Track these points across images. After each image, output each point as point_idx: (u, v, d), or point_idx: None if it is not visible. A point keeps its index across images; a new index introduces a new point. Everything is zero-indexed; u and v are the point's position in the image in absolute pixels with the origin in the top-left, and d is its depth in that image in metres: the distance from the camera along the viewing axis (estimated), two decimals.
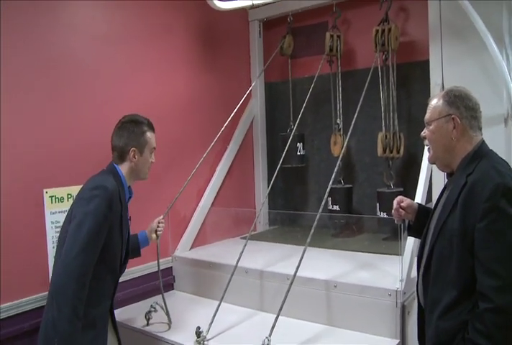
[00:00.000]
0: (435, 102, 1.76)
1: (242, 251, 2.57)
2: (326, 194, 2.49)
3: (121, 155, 2.13)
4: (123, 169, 2.12)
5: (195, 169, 2.87)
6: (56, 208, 2.50)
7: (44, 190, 2.46)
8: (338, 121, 3.49)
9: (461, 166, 1.71)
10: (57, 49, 2.54)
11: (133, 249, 2.35)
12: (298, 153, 3.61)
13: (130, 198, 2.19)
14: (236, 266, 2.54)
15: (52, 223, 2.48)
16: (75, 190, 2.52)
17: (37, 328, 2.28)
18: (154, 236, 2.48)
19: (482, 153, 1.69)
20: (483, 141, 1.74)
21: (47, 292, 2.35)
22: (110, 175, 2.07)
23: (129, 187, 2.17)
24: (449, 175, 1.82)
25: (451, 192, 1.69)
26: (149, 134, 2.17)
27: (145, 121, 2.18)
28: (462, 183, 1.63)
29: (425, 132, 1.81)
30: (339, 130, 3.48)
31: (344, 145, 2.78)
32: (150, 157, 2.20)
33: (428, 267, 1.74)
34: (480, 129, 1.74)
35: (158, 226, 2.50)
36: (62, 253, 1.86)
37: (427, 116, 1.80)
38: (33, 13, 2.41)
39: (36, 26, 2.44)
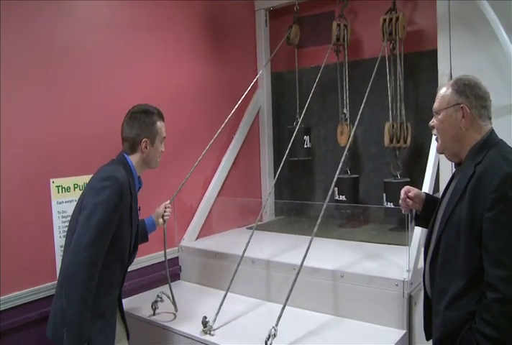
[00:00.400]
0: (444, 91, 1.74)
1: (249, 242, 2.57)
2: (333, 184, 2.48)
3: (132, 146, 2.11)
4: (133, 159, 2.11)
5: (201, 156, 2.86)
6: (63, 197, 2.50)
7: (51, 180, 2.46)
8: (345, 111, 3.47)
9: (469, 155, 1.69)
10: (61, 38, 2.52)
11: (141, 234, 2.34)
12: (305, 146, 3.60)
13: (140, 188, 2.19)
14: (242, 256, 2.54)
15: (58, 212, 2.48)
16: (81, 180, 2.56)
17: (45, 318, 2.30)
18: (161, 220, 2.47)
19: (491, 142, 1.67)
20: (492, 131, 1.72)
21: (54, 282, 2.37)
22: (120, 165, 2.06)
23: (139, 177, 2.17)
24: (457, 165, 1.81)
25: (460, 181, 1.68)
26: (159, 124, 2.16)
27: (155, 111, 2.16)
28: (471, 173, 1.61)
29: (433, 121, 1.79)
30: (346, 120, 3.46)
31: (351, 135, 2.77)
32: (161, 146, 2.19)
33: (435, 257, 1.73)
34: (490, 118, 1.71)
35: (165, 211, 2.48)
36: (72, 243, 1.86)
37: (435, 105, 1.77)
38: (36, 2, 2.38)
39: (39, 16, 2.42)
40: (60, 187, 2.49)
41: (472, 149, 1.69)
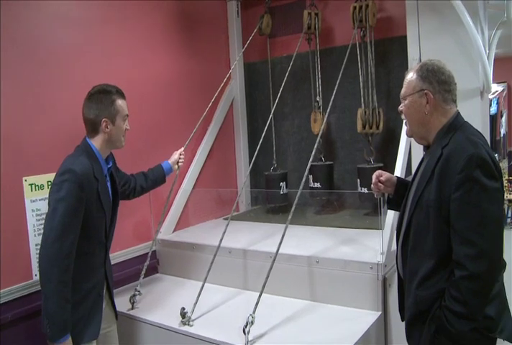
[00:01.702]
0: (409, 77, 1.77)
1: (224, 232, 2.58)
2: (307, 171, 2.50)
3: (93, 128, 2.09)
4: (97, 142, 2.10)
5: (184, 147, 2.88)
6: (36, 195, 2.46)
7: (24, 178, 2.41)
8: (318, 99, 3.48)
9: (437, 138, 1.73)
10: (31, 32, 2.47)
11: (158, 177, 2.63)
12: (282, 192, 3.60)
13: (110, 168, 2.20)
14: (218, 246, 2.55)
15: (32, 211, 2.44)
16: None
17: (20, 318, 2.32)
18: (175, 166, 2.71)
19: (457, 125, 1.71)
20: (458, 114, 1.75)
21: (29, 281, 2.39)
22: (83, 153, 2.05)
23: (108, 157, 2.18)
24: (426, 148, 1.84)
25: (428, 164, 1.71)
26: (119, 102, 2.12)
27: (113, 90, 2.12)
28: (438, 155, 1.65)
29: (401, 107, 1.82)
30: (319, 108, 3.48)
31: (323, 122, 2.79)
32: (124, 124, 2.16)
33: (406, 238, 1.77)
34: (454, 101, 1.74)
35: (180, 158, 2.74)
36: (41, 240, 1.91)
37: (402, 91, 1.81)
38: None
39: (8, 10, 2.36)
40: (33, 185, 2.45)
41: (439, 132, 1.72)
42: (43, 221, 2.42)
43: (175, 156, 2.73)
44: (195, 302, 2.36)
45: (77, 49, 2.70)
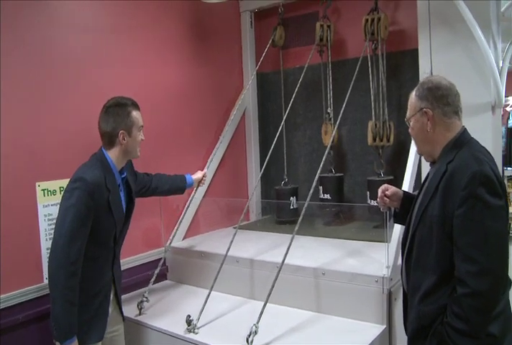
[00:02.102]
0: (411, 98, 1.81)
1: (232, 241, 2.61)
2: (314, 183, 2.53)
3: (110, 140, 2.15)
4: (113, 153, 2.16)
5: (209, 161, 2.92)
6: (48, 201, 2.51)
7: (37, 184, 2.46)
8: (329, 111, 3.50)
9: (442, 154, 1.74)
10: (45, 41, 2.53)
11: (178, 187, 2.75)
12: (292, 207, 3.62)
13: (124, 178, 2.26)
14: (226, 255, 2.58)
15: (44, 216, 2.49)
16: (67, 183, 2.57)
17: (31, 320, 2.37)
18: (195, 184, 2.85)
19: (463, 141, 1.72)
20: (465, 130, 1.76)
21: (41, 284, 2.43)
22: (97, 163, 2.12)
23: (122, 168, 2.23)
24: (432, 163, 1.85)
25: (433, 179, 1.72)
26: (134, 114, 2.18)
27: (129, 102, 2.18)
28: (443, 171, 1.66)
29: (410, 129, 1.85)
30: (330, 119, 3.49)
31: (333, 134, 2.81)
32: (139, 135, 2.22)
33: (410, 253, 1.78)
34: (456, 113, 1.75)
35: (202, 179, 2.88)
36: (50, 246, 1.98)
37: (407, 113, 1.84)
38: (18, 4, 2.39)
39: (22, 19, 2.42)
40: (45, 191, 2.50)
41: (445, 147, 1.74)
42: (54, 226, 2.52)
43: (199, 175, 2.86)
44: (201, 310, 2.39)
45: (91, 58, 2.76)
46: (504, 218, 1.61)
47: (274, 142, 3.11)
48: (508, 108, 9.43)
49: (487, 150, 1.74)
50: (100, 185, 2.05)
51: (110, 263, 2.19)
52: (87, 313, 2.04)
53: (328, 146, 2.72)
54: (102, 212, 2.06)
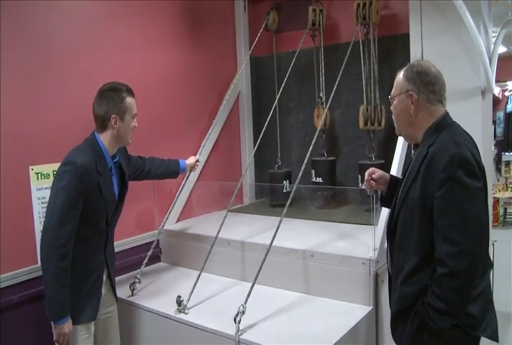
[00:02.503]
0: (398, 77, 1.82)
1: (222, 223, 2.65)
2: (303, 166, 2.56)
3: (103, 124, 2.17)
4: (105, 137, 2.18)
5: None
6: (42, 184, 2.54)
7: (30, 167, 2.50)
8: (321, 95, 3.51)
9: (424, 138, 1.77)
10: (40, 27, 2.54)
11: (171, 171, 2.80)
12: (285, 190, 3.63)
13: (117, 162, 2.28)
14: (216, 237, 2.62)
15: (38, 199, 2.53)
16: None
17: (25, 301, 2.42)
18: (188, 169, 2.91)
19: (444, 125, 1.74)
20: (446, 114, 1.79)
21: (34, 266, 2.46)
22: (88, 146, 2.14)
23: (115, 154, 2.25)
24: (415, 147, 1.88)
25: (415, 163, 1.75)
26: (129, 100, 2.19)
27: (123, 88, 2.20)
28: (424, 154, 1.69)
29: (391, 107, 1.87)
30: (322, 103, 3.51)
31: (323, 118, 2.82)
32: (132, 122, 2.23)
33: (394, 235, 1.81)
34: (440, 101, 1.77)
35: (196, 165, 2.96)
36: (42, 227, 2.02)
37: (392, 91, 1.86)
38: None
39: (18, 5, 2.42)
40: (39, 174, 2.54)
41: (427, 131, 1.76)
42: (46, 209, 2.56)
43: (192, 160, 2.92)
44: (191, 291, 2.43)
45: (86, 45, 2.77)
46: (481, 200, 1.64)
47: (265, 126, 3.14)
48: (506, 93, 9.41)
49: (467, 133, 1.76)
50: (90, 169, 2.07)
51: (102, 245, 2.22)
52: (79, 293, 2.09)
53: (318, 129, 2.74)
54: (93, 195, 2.09)
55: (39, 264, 2.43)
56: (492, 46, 2.94)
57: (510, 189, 7.59)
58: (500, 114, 9.45)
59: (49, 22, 2.60)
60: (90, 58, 2.80)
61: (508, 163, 8.97)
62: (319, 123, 3.46)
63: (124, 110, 2.17)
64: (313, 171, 3.46)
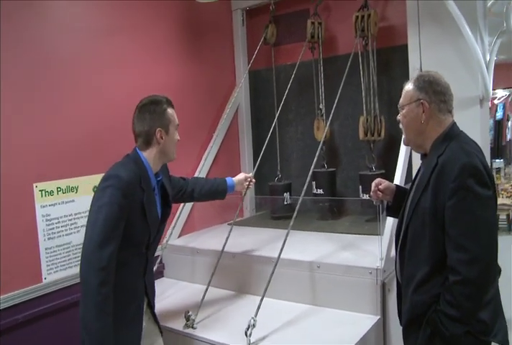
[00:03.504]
0: (407, 87, 1.84)
1: (228, 237, 2.63)
2: (308, 177, 2.57)
3: (147, 140, 2.03)
4: (149, 154, 2.04)
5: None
6: (46, 201, 2.52)
7: (34, 185, 2.48)
8: (320, 107, 3.54)
9: (433, 147, 1.79)
10: (38, 42, 2.54)
11: (221, 190, 2.56)
12: (285, 203, 3.65)
13: (160, 181, 2.12)
14: (222, 251, 2.60)
15: (42, 216, 2.50)
16: (64, 183, 2.61)
17: (31, 320, 2.38)
18: (239, 187, 2.66)
19: (452, 135, 1.76)
20: (454, 123, 1.81)
21: (39, 284, 2.46)
22: (131, 162, 2.00)
23: (157, 172, 2.11)
24: (423, 156, 1.90)
25: (424, 172, 1.77)
26: (170, 111, 2.08)
27: (163, 99, 2.09)
28: (434, 164, 1.70)
29: (400, 116, 1.88)
30: (322, 115, 3.53)
31: (325, 130, 2.85)
32: (176, 134, 2.12)
33: (404, 244, 1.82)
34: (450, 111, 1.80)
35: (249, 184, 2.69)
36: (82, 248, 1.83)
37: (401, 100, 1.87)
38: (12, 6, 2.40)
39: (16, 20, 2.43)
40: (43, 191, 2.52)
41: (435, 141, 1.78)
42: (53, 226, 2.55)
43: (241, 176, 2.69)
44: (200, 306, 2.43)
45: (85, 58, 2.77)
46: (493, 208, 1.67)
47: (267, 138, 3.14)
48: (495, 101, 9.54)
49: (475, 142, 1.79)
50: (134, 184, 1.92)
51: (142, 271, 2.03)
52: (117, 325, 1.82)
53: (321, 142, 2.76)
54: (135, 213, 1.93)
55: (44, 282, 2.48)
56: (488, 55, 2.99)
57: (501, 195, 7.66)
58: (490, 122, 9.56)
59: (47, 36, 2.59)
60: (90, 72, 2.79)
61: (498, 170, 9.05)
62: (319, 135, 3.50)
63: (167, 122, 2.06)
64: (313, 183, 3.47)
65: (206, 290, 2.51)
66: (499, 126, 9.48)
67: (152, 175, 2.06)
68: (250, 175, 2.73)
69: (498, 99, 9.37)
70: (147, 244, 2.03)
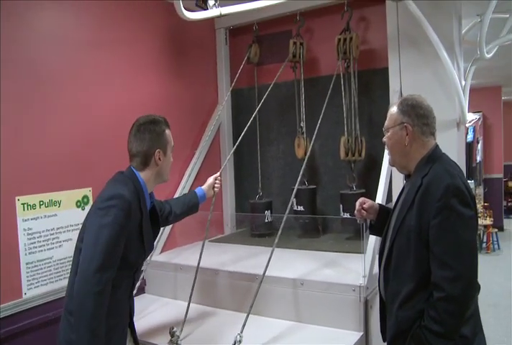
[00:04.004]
0: (392, 110, 1.92)
1: (201, 253, 2.65)
2: (294, 194, 2.62)
3: (145, 160, 1.99)
4: (145, 175, 2.00)
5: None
6: (28, 215, 2.50)
7: (17, 198, 2.45)
8: (302, 125, 3.59)
9: (417, 169, 1.86)
10: (23, 55, 2.52)
11: (192, 205, 2.47)
12: (266, 220, 3.69)
13: (151, 203, 2.09)
14: (198, 267, 2.61)
15: (24, 230, 2.47)
16: (47, 197, 2.59)
17: (10, 336, 2.34)
18: (211, 192, 2.58)
19: (435, 157, 1.85)
20: (437, 146, 1.89)
21: (20, 299, 2.41)
22: (129, 182, 1.94)
23: (151, 193, 2.07)
24: (407, 177, 1.97)
25: (409, 192, 1.84)
26: (168, 132, 2.06)
27: (162, 119, 2.06)
28: (418, 184, 1.77)
29: (385, 138, 1.96)
30: (303, 133, 3.59)
31: (310, 146, 2.91)
32: (171, 156, 2.10)
33: (388, 262, 1.87)
34: (432, 133, 1.88)
35: (216, 183, 2.61)
36: (79, 269, 1.77)
37: (386, 123, 1.95)
38: None
39: (1, 32, 2.41)
40: (25, 205, 2.49)
41: (419, 163, 1.86)
42: (34, 240, 2.51)
43: (210, 180, 2.62)
44: (184, 322, 2.42)
45: (69, 72, 2.77)
46: (474, 228, 1.74)
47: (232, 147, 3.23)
48: (466, 124, 9.84)
49: (456, 164, 1.88)
50: (136, 206, 1.89)
51: (128, 293, 2.00)
52: None
53: (306, 158, 2.83)
54: (133, 235, 1.90)
55: (25, 297, 2.42)
56: (463, 81, 3.12)
57: None
58: None
59: (32, 49, 2.58)
60: (73, 86, 2.79)
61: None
62: (299, 153, 3.56)
63: (165, 143, 2.03)
64: (294, 200, 3.50)
65: (188, 305, 2.51)
66: (469, 149, 9.77)
67: (148, 197, 2.03)
68: (217, 174, 2.69)
69: (469, 122, 9.68)
70: (137, 268, 2.02)
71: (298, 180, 2.69)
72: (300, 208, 3.49)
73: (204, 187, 2.59)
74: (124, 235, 1.83)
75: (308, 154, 2.90)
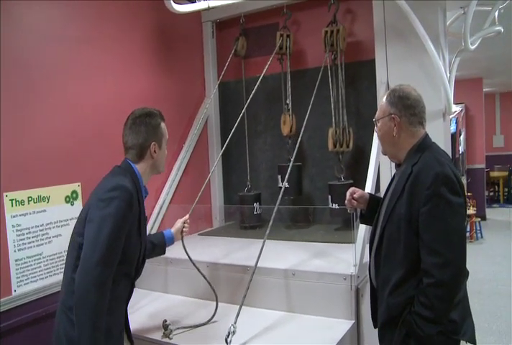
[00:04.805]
0: (382, 101, 1.96)
1: (184, 245, 2.59)
2: (283, 185, 2.64)
3: (140, 153, 1.99)
4: (141, 167, 2.00)
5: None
6: (16, 211, 2.48)
7: (5, 194, 2.43)
8: (287, 102, 3.59)
9: (407, 157, 1.90)
10: (9, 49, 2.49)
11: (158, 246, 2.36)
12: (255, 212, 3.69)
13: (146, 196, 2.07)
14: (190, 259, 2.61)
15: (12, 226, 2.45)
16: (35, 192, 2.57)
17: (2, 333, 2.32)
18: (179, 236, 2.48)
19: (425, 145, 1.88)
20: (427, 135, 1.93)
21: (10, 297, 2.40)
22: (127, 174, 1.94)
23: (145, 186, 2.06)
24: (397, 166, 2.00)
25: (399, 181, 1.87)
26: (163, 125, 2.06)
27: (157, 112, 2.06)
28: (408, 172, 1.81)
29: (376, 129, 2.00)
30: (288, 110, 3.59)
31: (295, 125, 2.90)
32: (165, 148, 2.10)
33: (379, 249, 1.91)
34: (421, 123, 1.92)
35: (184, 226, 2.49)
36: (81, 261, 1.73)
37: (376, 114, 1.99)
38: None
39: None
40: (13, 201, 2.46)
41: (409, 151, 1.90)
42: (23, 237, 2.49)
43: (178, 224, 2.50)
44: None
45: (58, 67, 2.75)
46: (463, 215, 1.78)
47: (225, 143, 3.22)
48: (450, 116, 9.96)
49: (446, 152, 1.92)
50: (136, 197, 1.88)
51: (126, 294, 1.97)
52: None
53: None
54: (133, 228, 1.88)
55: (14, 294, 2.40)
56: (448, 72, 3.16)
57: None
58: None
59: (19, 45, 2.55)
60: (61, 82, 2.77)
61: None
62: (285, 129, 3.58)
63: (161, 136, 2.04)
64: (279, 176, 3.52)
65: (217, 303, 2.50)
66: (452, 140, 9.88)
67: (143, 189, 2.02)
68: (186, 217, 2.56)
69: (453, 114, 9.79)
70: (137, 265, 1.99)
71: (289, 167, 2.70)
72: (286, 184, 3.45)
73: (173, 230, 2.47)
74: (126, 227, 1.82)
75: (293, 130, 2.88)
